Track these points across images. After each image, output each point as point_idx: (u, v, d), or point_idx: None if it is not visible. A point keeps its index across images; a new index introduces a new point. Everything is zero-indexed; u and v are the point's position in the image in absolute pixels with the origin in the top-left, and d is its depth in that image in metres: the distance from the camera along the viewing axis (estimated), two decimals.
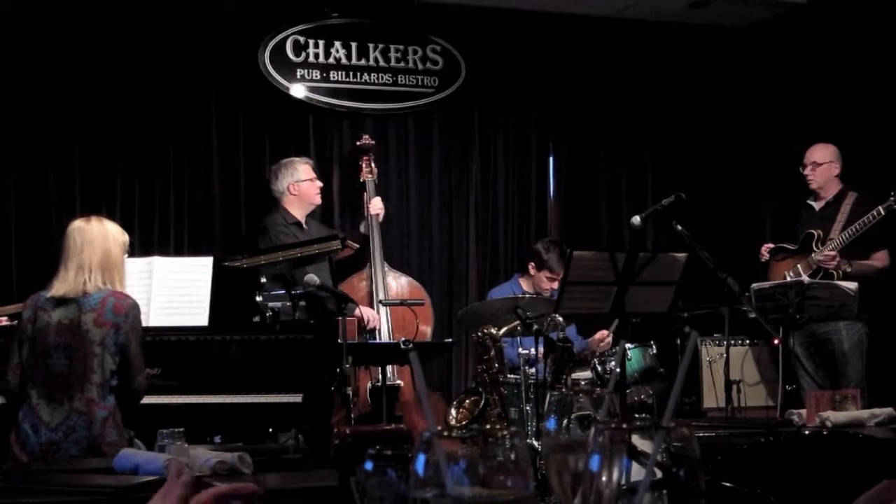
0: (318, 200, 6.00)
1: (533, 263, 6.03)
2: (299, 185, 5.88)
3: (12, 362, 3.99)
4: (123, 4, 6.26)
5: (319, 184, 5.99)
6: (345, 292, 5.20)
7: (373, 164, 6.28)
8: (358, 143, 6.40)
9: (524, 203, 7.20)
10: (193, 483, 1.08)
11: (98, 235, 3.98)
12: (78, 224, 4.04)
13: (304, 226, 5.88)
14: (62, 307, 3.90)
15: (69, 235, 4.01)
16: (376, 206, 6.09)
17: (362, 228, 6.08)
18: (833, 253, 5.68)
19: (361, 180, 6.25)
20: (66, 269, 3.95)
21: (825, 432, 3.63)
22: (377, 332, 5.73)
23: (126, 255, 4.13)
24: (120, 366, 3.87)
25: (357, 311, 5.55)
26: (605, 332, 5.91)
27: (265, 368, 4.52)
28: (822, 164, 5.95)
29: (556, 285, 5.80)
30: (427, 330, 5.93)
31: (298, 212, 5.88)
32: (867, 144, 6.27)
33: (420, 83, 6.95)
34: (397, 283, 6.01)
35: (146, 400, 4.06)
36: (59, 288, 3.93)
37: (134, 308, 3.94)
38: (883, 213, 5.53)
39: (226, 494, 1.06)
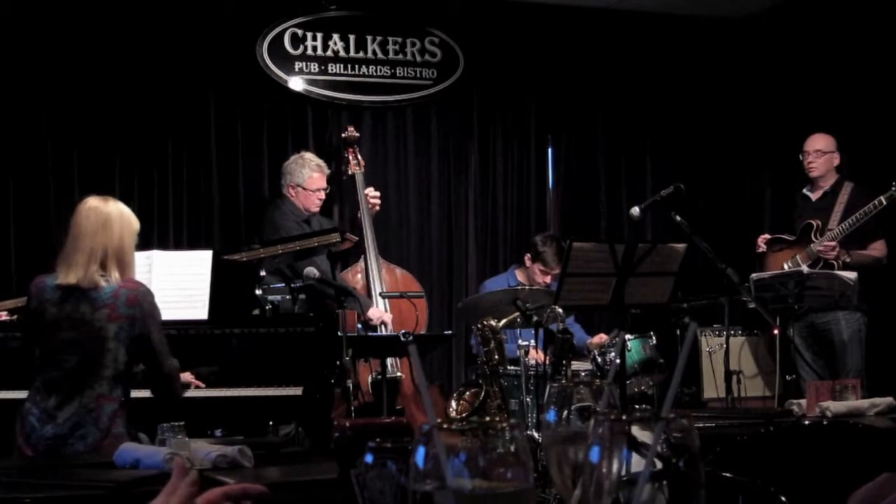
0: (314, 210, 5.76)
1: (529, 255, 6.03)
2: (298, 191, 5.69)
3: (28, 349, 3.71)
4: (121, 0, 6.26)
5: (322, 196, 5.77)
6: (344, 285, 5.18)
7: (359, 156, 6.09)
8: (343, 136, 6.21)
9: (523, 195, 7.19)
10: (197, 481, 1.07)
11: (115, 220, 3.64)
12: (94, 203, 3.66)
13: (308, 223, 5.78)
14: (71, 300, 3.62)
15: (83, 214, 3.62)
16: (373, 194, 5.91)
17: (360, 217, 5.91)
18: (833, 243, 5.68)
19: (350, 173, 6.05)
20: (76, 252, 3.59)
21: (825, 422, 3.64)
22: (382, 325, 5.65)
23: (135, 244, 3.80)
24: (147, 357, 3.69)
25: (369, 312, 5.42)
26: (604, 336, 5.87)
27: (265, 361, 4.51)
28: (826, 153, 5.95)
29: (548, 279, 5.80)
30: (423, 322, 5.88)
31: (298, 208, 5.79)
32: (863, 135, 6.28)
33: (418, 75, 6.94)
34: (392, 276, 5.95)
35: (145, 394, 4.00)
36: (67, 275, 3.59)
37: (147, 294, 3.70)
38: (885, 202, 5.53)
39: (235, 494, 1.05)
